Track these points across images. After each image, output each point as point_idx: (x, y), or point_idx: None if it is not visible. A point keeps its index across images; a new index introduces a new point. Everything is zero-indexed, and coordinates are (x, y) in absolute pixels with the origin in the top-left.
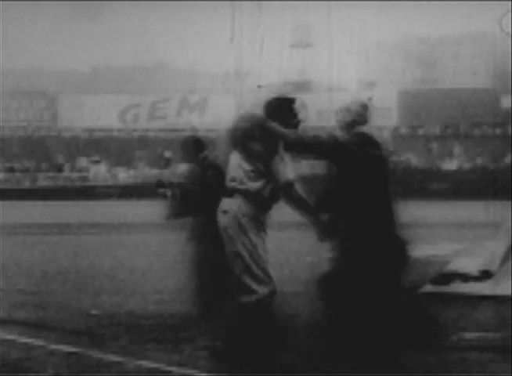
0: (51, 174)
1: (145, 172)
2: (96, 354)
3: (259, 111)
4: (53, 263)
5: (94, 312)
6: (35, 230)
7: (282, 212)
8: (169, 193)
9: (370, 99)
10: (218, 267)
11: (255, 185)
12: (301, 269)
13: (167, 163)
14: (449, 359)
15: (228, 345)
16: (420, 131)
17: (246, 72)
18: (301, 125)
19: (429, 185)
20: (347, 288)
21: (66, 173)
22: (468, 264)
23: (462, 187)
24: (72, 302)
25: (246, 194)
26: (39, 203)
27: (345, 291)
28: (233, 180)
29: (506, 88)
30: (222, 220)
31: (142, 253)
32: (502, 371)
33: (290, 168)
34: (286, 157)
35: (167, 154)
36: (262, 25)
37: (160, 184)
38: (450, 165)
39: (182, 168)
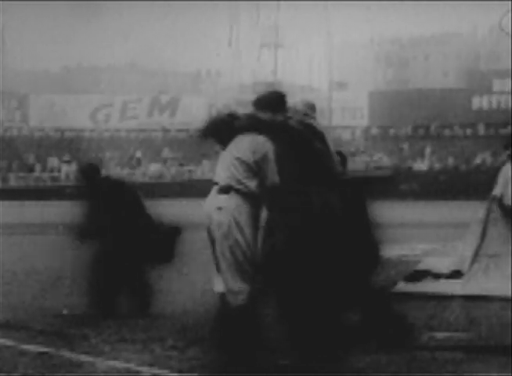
0: (22, 174)
1: (116, 172)
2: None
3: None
4: (23, 263)
5: (65, 312)
6: (6, 230)
7: None
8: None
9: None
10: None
11: (253, 183)
12: None
13: (138, 163)
14: (420, 359)
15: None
16: (391, 132)
17: (218, 72)
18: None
19: (400, 185)
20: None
21: (37, 173)
22: (439, 264)
23: (433, 187)
24: (43, 302)
25: (244, 192)
26: (10, 203)
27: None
28: (229, 178)
29: (477, 88)
30: (217, 217)
31: None
32: (473, 371)
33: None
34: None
35: (138, 154)
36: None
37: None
38: (421, 165)
39: (154, 167)
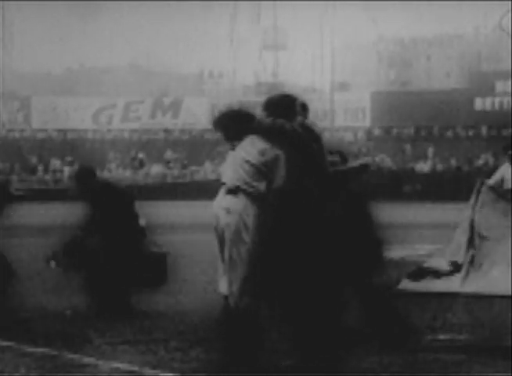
0: (24, 176)
1: (118, 174)
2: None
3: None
4: (25, 265)
5: (67, 313)
6: (8, 232)
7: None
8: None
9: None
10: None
11: (262, 185)
12: None
13: (141, 164)
14: (422, 360)
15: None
16: (394, 133)
17: (220, 73)
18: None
19: (402, 186)
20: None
21: (39, 174)
22: (442, 264)
23: (435, 189)
24: (45, 304)
25: (253, 195)
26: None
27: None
28: (237, 179)
29: (479, 89)
30: (225, 218)
31: None
32: (476, 372)
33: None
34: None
35: (141, 156)
36: (236, 27)
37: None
38: (423, 167)
39: (156, 168)
